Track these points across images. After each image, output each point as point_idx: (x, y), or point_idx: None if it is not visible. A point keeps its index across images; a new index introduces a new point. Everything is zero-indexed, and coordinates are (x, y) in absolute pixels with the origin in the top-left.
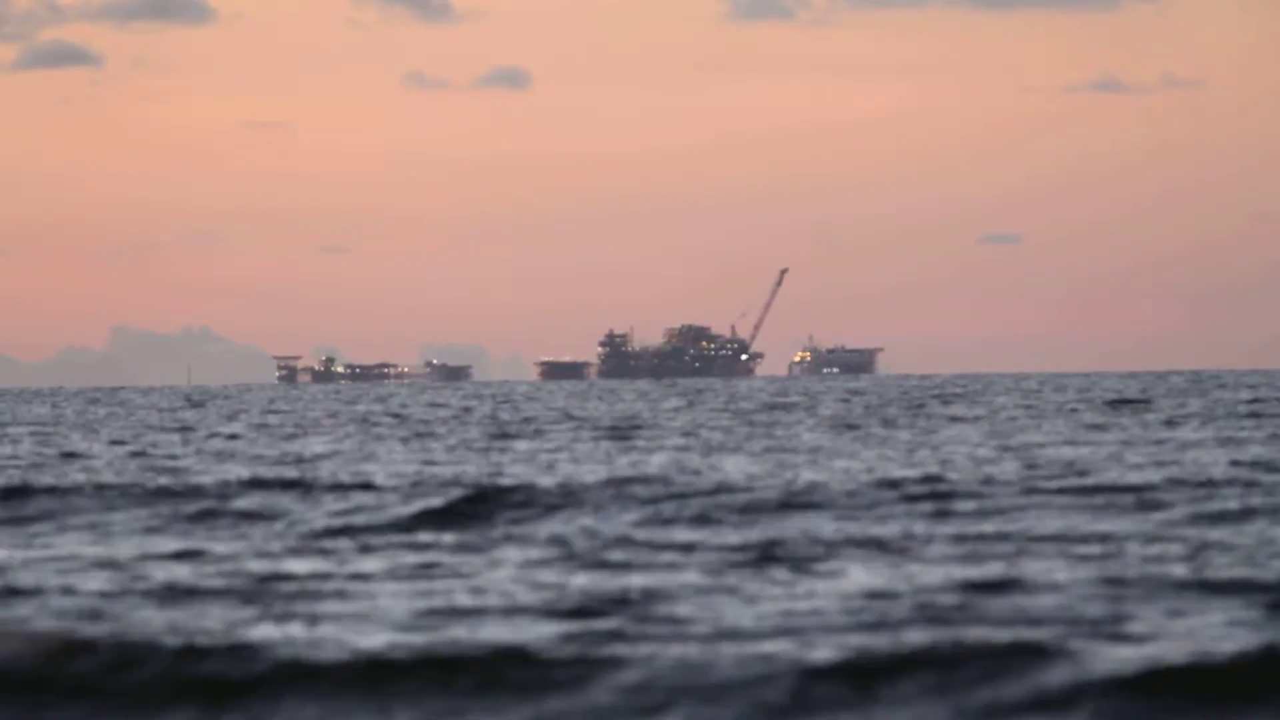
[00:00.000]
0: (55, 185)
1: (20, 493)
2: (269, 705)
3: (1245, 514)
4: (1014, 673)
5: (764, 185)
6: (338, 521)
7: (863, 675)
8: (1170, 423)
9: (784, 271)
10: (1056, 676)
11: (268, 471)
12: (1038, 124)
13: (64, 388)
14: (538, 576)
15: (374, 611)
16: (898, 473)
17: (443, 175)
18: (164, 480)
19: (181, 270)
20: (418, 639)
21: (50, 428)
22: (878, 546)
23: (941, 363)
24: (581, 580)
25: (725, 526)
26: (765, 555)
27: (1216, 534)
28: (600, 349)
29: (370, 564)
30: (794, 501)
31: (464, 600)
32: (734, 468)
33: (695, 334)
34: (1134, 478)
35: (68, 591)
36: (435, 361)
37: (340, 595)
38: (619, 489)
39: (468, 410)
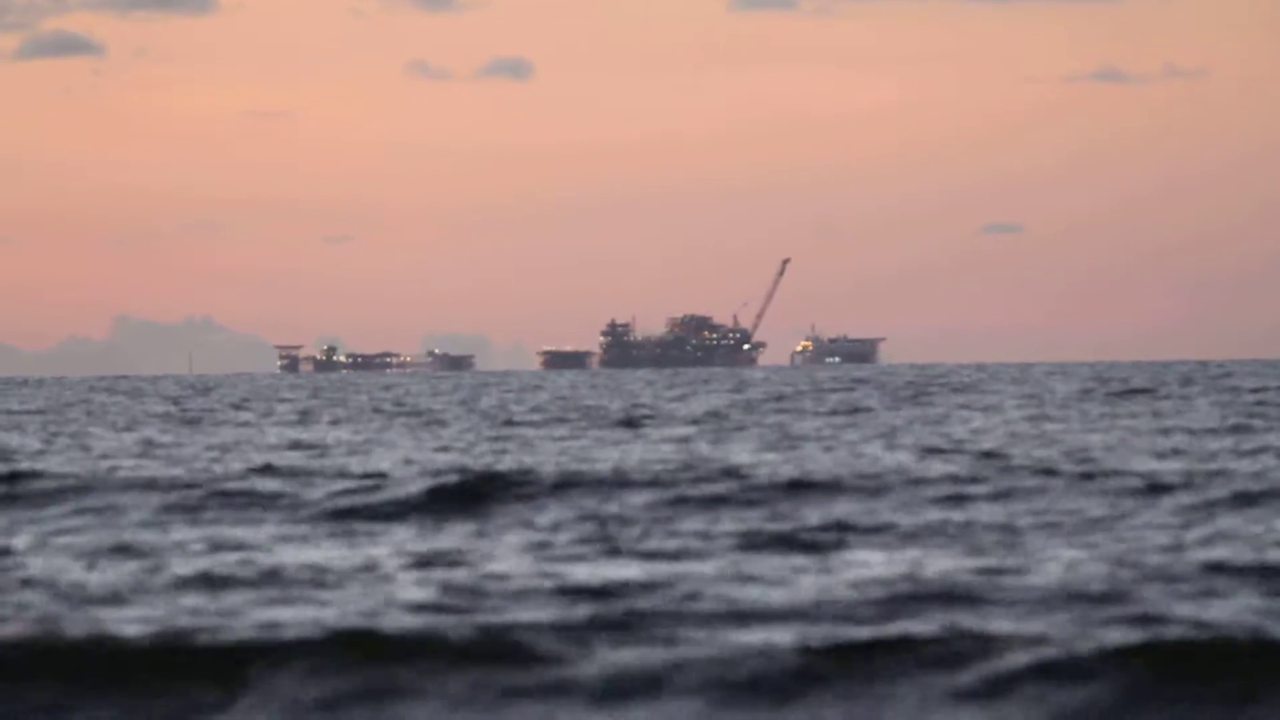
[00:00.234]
0: (57, 174)
1: (28, 477)
2: (263, 687)
3: (1255, 498)
4: (1021, 657)
5: (766, 175)
6: (344, 502)
7: (872, 660)
8: (1179, 410)
9: (786, 261)
10: (1063, 661)
11: (278, 459)
12: (1039, 114)
13: (66, 377)
14: (545, 561)
15: (382, 595)
16: (911, 459)
17: (445, 165)
18: (176, 471)
19: (183, 259)
20: (424, 620)
21: (54, 415)
22: (890, 531)
23: (943, 352)
24: (590, 565)
25: (735, 510)
26: (777, 539)
27: (1227, 521)
28: (602, 338)
29: (378, 549)
30: (805, 485)
31: (471, 583)
32: (744, 453)
33: (697, 323)
34: (1143, 464)
35: (72, 579)
36: (437, 351)
37: (348, 579)
38: (628, 474)
39: (473, 398)
